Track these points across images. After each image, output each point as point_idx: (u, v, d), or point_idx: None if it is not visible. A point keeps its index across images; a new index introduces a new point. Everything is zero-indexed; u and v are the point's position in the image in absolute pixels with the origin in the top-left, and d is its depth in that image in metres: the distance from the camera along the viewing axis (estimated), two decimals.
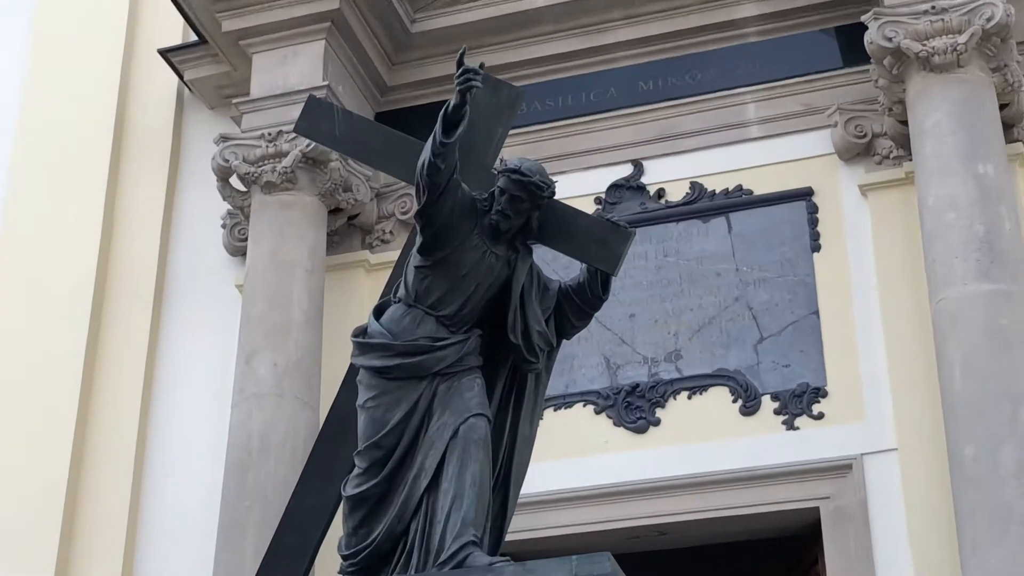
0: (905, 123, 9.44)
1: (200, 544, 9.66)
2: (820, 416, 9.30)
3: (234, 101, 10.70)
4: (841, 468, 9.13)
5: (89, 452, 10.43)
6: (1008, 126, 9.43)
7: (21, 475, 10.28)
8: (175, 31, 11.61)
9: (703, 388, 9.62)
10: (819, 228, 9.81)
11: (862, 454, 9.13)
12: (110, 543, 10.08)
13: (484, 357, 6.14)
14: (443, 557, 5.73)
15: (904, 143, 9.54)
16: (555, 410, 9.65)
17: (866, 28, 9.39)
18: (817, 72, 10.21)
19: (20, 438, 10.41)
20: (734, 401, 9.50)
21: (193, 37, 11.31)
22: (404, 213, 10.58)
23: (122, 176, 11.44)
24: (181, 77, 11.39)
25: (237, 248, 10.70)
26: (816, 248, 9.76)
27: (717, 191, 10.13)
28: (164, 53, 11.32)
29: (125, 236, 11.19)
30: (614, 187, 10.35)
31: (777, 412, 9.39)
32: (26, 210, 11.37)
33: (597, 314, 6.45)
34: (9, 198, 11.49)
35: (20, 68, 12.02)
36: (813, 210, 9.88)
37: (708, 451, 9.39)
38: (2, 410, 10.56)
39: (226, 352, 10.28)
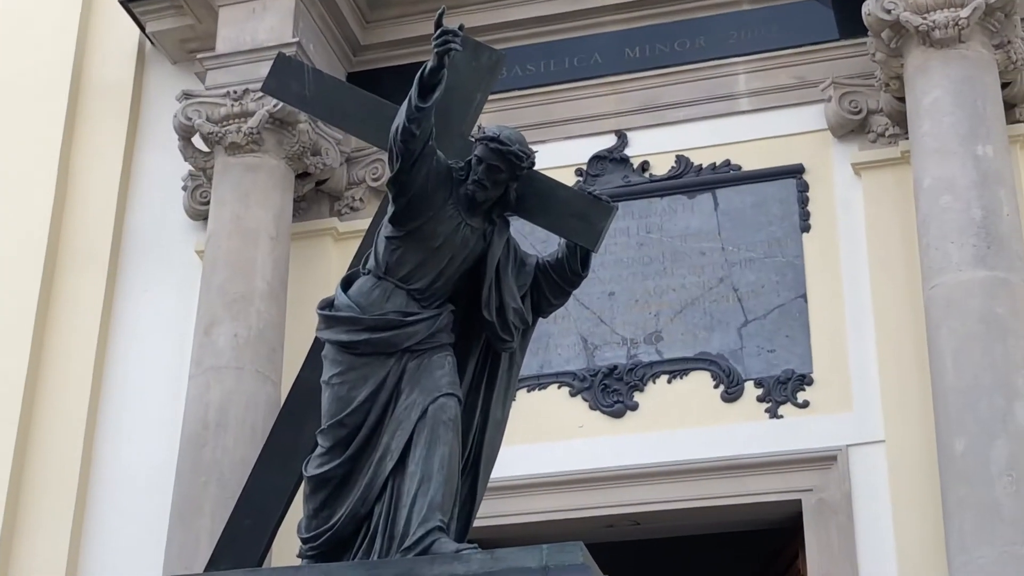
0: (902, 100, 9.44)
1: (152, 522, 9.65)
2: (805, 404, 9.32)
3: (199, 56, 10.64)
4: (825, 459, 9.15)
5: (36, 422, 10.37)
6: (1010, 106, 9.43)
7: None
8: None
9: (684, 372, 9.62)
10: (809, 207, 9.82)
11: (848, 445, 9.15)
12: (57, 518, 10.04)
13: (456, 334, 6.14)
14: (408, 543, 5.72)
15: (901, 121, 9.54)
16: (528, 391, 9.65)
17: None
18: (812, 43, 10.20)
19: None
20: (716, 387, 9.51)
21: None
22: (375, 180, 10.55)
23: (78, 132, 11.37)
24: (143, 29, 11.31)
25: (198, 212, 10.65)
26: (806, 228, 9.77)
27: (704, 166, 10.12)
28: (125, 3, 11.21)
29: (80, 196, 11.12)
30: (596, 158, 10.33)
31: (760, 399, 9.40)
32: None
33: (575, 292, 6.44)
34: None
35: None
36: (804, 188, 9.88)
37: (687, 438, 9.40)
38: None
39: (184, 321, 10.26)
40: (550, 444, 9.54)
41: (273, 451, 6.97)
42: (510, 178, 6.10)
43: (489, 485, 6.27)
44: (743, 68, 10.30)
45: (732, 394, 9.46)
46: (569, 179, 9.86)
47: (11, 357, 10.48)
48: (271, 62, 6.87)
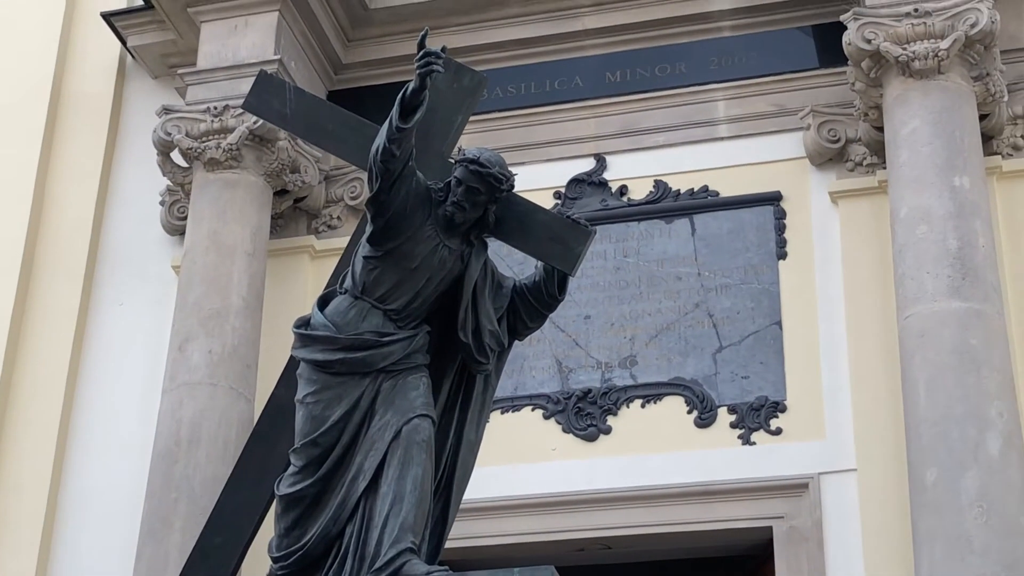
0: (881, 129, 9.47)
1: (121, 537, 9.61)
2: (778, 432, 9.33)
3: (179, 71, 10.64)
4: (797, 487, 9.16)
5: (7, 434, 10.34)
6: (987, 138, 9.46)
7: None
8: None
9: (658, 397, 9.63)
10: (786, 235, 9.84)
11: (819, 473, 9.16)
12: (26, 530, 10.00)
13: (432, 355, 6.14)
14: (379, 564, 5.72)
15: (879, 150, 9.58)
16: (502, 413, 9.64)
17: (845, 28, 9.41)
18: (791, 71, 10.24)
19: None
20: (689, 412, 9.52)
21: (139, 1, 11.22)
22: (354, 198, 10.55)
23: (56, 144, 11.34)
24: (124, 43, 11.30)
25: (175, 227, 10.64)
26: (782, 256, 9.79)
27: (682, 191, 10.14)
28: (107, 17, 11.23)
29: (57, 208, 11.09)
30: (575, 181, 10.35)
31: (733, 425, 9.41)
32: None
33: (551, 315, 6.45)
34: None
35: None
36: (781, 216, 9.91)
37: (660, 463, 9.40)
38: None
39: (158, 336, 10.23)
40: (523, 466, 9.53)
41: (245, 469, 6.95)
42: (489, 200, 6.11)
43: (461, 507, 6.26)
44: (722, 95, 10.34)
45: (705, 420, 9.46)
46: (547, 202, 9.87)
47: None
48: (252, 79, 6.88)
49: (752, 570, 9.74)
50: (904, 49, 9.18)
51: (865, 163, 9.79)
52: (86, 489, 10.16)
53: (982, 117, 9.38)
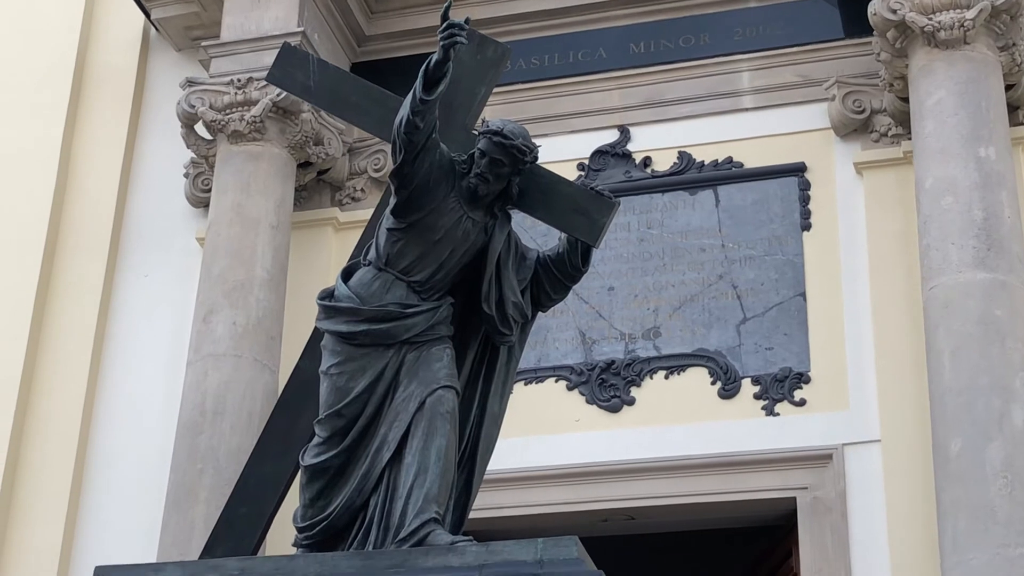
0: (906, 100, 9.44)
1: (147, 508, 9.66)
2: (802, 403, 9.34)
3: (203, 44, 10.65)
4: (821, 458, 9.16)
5: (33, 407, 10.38)
6: (1013, 108, 9.42)
7: None
8: None
9: (681, 368, 9.64)
10: (810, 206, 9.83)
11: (843, 444, 9.16)
12: (53, 501, 10.05)
13: (455, 327, 6.15)
14: (403, 534, 5.75)
15: (904, 121, 9.55)
16: (525, 384, 9.66)
17: None
18: (816, 42, 10.20)
19: None
20: (713, 383, 9.53)
21: None
22: (377, 171, 10.56)
23: (81, 117, 11.37)
24: (148, 15, 11.31)
25: (199, 199, 10.66)
26: (806, 227, 9.78)
27: (706, 162, 10.13)
28: None
29: (82, 181, 11.12)
30: (599, 153, 10.34)
31: (757, 397, 9.41)
32: None
33: (575, 286, 6.46)
34: None
35: None
36: (805, 187, 9.89)
37: (683, 434, 9.41)
38: None
39: (183, 308, 10.27)
40: (547, 438, 9.55)
41: (270, 440, 6.99)
42: (512, 172, 6.12)
43: (485, 477, 6.28)
44: (747, 65, 10.31)
45: (729, 391, 9.47)
46: (571, 173, 9.87)
47: (9, 340, 10.48)
48: (276, 51, 6.91)
49: (776, 541, 9.76)
50: (929, 19, 9.14)
51: (890, 134, 9.76)
52: (112, 460, 10.22)
53: (1008, 87, 9.34)
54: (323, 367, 6.10)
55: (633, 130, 10.37)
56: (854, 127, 9.88)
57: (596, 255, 6.45)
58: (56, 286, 10.79)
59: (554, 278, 6.30)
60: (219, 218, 9.92)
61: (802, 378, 9.38)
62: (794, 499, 9.18)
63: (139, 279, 10.78)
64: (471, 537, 5.69)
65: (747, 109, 10.23)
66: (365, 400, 5.98)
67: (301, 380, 6.77)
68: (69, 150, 11.23)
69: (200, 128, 10.37)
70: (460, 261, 6.13)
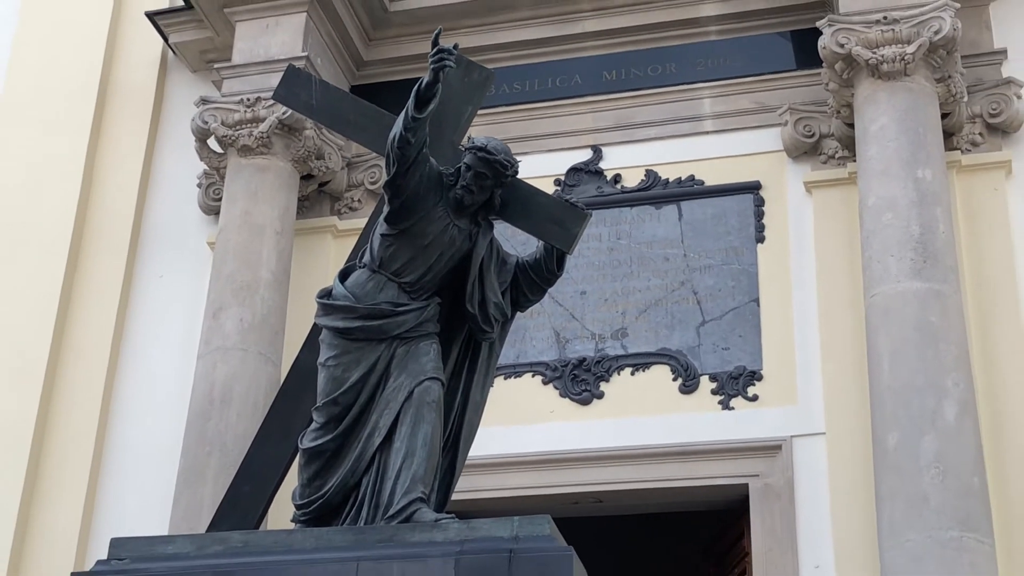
0: (851, 126, 9.48)
1: (160, 487, 9.65)
2: (755, 398, 9.35)
3: (216, 66, 10.64)
4: (771, 448, 9.18)
5: (56, 394, 10.36)
6: (948, 134, 9.47)
7: None
8: None
9: (646, 365, 9.64)
10: (764, 220, 9.84)
11: (792, 436, 9.18)
12: (73, 481, 10.03)
13: (442, 324, 6.14)
14: (392, 511, 5.73)
15: (849, 145, 9.58)
16: (505, 378, 9.66)
17: (820, 33, 9.41)
18: (771, 72, 10.24)
19: None
20: (674, 379, 9.53)
21: (179, 2, 11.24)
22: (373, 183, 10.55)
23: (104, 131, 11.36)
24: (166, 40, 11.30)
25: (211, 207, 10.65)
26: (760, 239, 9.80)
27: (671, 180, 10.15)
28: (151, 16, 11.23)
29: (104, 189, 11.11)
30: (573, 170, 10.35)
31: (714, 392, 9.42)
32: (11, 158, 11.27)
33: (550, 290, 6.45)
34: None
35: (10, 24, 11.90)
36: (760, 203, 9.91)
37: (647, 425, 9.42)
38: None
39: (195, 306, 10.26)
40: (523, 427, 9.55)
41: (272, 425, 6.97)
42: (495, 185, 6.11)
43: (467, 462, 6.27)
44: (709, 93, 10.33)
45: (689, 387, 9.48)
46: (548, 188, 9.84)
47: (36, 334, 10.47)
48: (282, 73, 6.88)
49: (729, 523, 9.77)
50: (874, 53, 9.18)
51: (837, 156, 9.79)
52: (128, 444, 10.20)
53: (944, 116, 9.38)
54: (321, 359, 6.08)
55: (605, 150, 10.38)
56: (804, 150, 9.91)
57: (570, 261, 6.44)
58: (79, 285, 10.77)
59: (531, 281, 6.28)
60: (229, 224, 9.90)
61: (755, 376, 9.40)
62: (747, 485, 9.20)
63: (155, 279, 10.77)
64: (453, 515, 5.68)
65: (708, 132, 10.25)
66: (359, 389, 5.96)
67: (301, 371, 6.75)
68: (92, 161, 11.21)
69: (212, 142, 10.36)
70: (447, 265, 6.12)
